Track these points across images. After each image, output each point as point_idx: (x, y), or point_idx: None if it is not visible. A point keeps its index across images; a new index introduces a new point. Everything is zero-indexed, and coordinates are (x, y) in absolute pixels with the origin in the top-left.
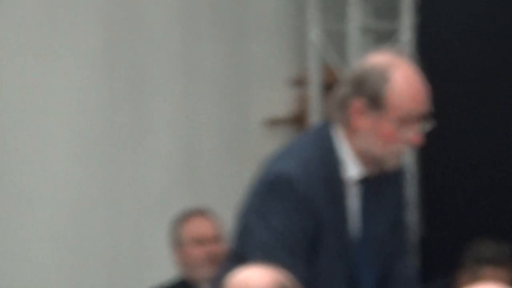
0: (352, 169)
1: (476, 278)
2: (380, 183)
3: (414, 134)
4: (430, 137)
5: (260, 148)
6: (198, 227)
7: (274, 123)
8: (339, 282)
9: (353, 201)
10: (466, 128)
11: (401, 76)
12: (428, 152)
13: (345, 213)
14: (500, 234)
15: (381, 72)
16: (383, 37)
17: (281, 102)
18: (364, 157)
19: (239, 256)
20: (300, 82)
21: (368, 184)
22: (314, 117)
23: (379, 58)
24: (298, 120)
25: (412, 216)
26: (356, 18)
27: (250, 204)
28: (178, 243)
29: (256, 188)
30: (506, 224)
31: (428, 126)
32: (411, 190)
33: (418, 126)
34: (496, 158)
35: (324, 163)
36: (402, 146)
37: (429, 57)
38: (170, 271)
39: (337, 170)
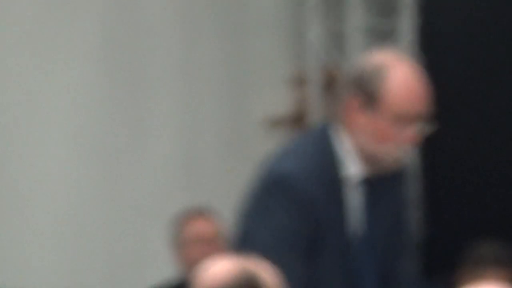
0: (353, 169)
1: (478, 279)
2: (382, 183)
3: (410, 134)
4: (432, 136)
5: (260, 148)
6: (198, 227)
7: (273, 123)
8: (340, 281)
9: (354, 201)
10: (468, 128)
11: (398, 75)
12: (431, 152)
13: (345, 212)
14: (502, 234)
15: (379, 70)
16: (383, 37)
17: (280, 102)
18: (363, 156)
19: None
20: (300, 82)
21: (370, 183)
22: (314, 117)
23: (379, 57)
24: (297, 120)
25: (414, 216)
26: (356, 18)
27: (250, 205)
28: (178, 243)
29: (256, 188)
30: (508, 224)
31: (427, 127)
32: (413, 190)
33: (415, 126)
34: (499, 158)
35: (324, 163)
36: (399, 146)
37: (429, 57)
38: (170, 271)
39: (336, 170)
